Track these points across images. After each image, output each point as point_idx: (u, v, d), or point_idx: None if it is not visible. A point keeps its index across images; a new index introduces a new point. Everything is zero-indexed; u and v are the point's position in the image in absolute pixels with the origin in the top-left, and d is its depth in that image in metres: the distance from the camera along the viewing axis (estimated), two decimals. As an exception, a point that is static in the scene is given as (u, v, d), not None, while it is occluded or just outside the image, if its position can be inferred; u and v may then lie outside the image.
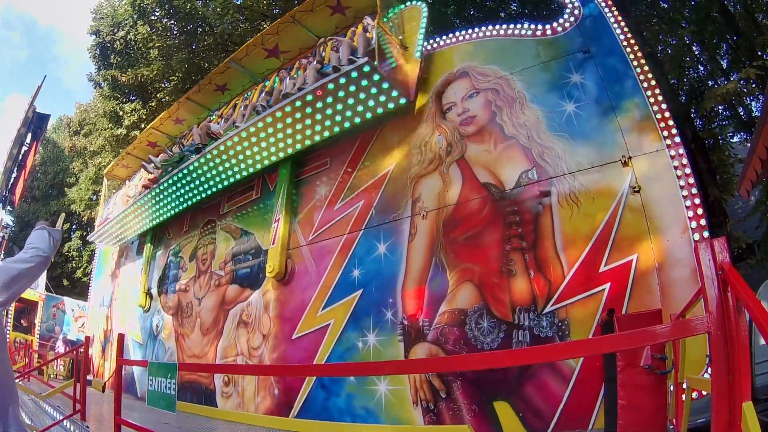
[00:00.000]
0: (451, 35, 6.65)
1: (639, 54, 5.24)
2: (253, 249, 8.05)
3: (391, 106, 6.23)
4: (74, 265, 25.69)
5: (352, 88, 6.10)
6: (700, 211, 4.45)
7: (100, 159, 19.13)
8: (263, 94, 7.90)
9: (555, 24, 5.77)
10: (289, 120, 6.70)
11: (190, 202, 9.17)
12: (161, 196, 9.43)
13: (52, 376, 13.78)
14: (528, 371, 4.73)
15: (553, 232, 5.03)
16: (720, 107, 11.61)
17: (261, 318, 7.42)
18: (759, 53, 10.14)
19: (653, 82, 5.03)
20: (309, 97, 6.33)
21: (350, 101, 6.25)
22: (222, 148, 7.63)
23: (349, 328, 6.18)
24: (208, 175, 8.27)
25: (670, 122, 4.82)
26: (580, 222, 4.89)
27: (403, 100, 6.21)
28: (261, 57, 8.76)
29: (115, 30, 16.17)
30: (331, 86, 6.15)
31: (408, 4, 7.22)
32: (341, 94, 6.18)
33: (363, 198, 6.62)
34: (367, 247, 6.34)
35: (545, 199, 5.16)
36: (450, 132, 6.11)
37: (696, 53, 12.24)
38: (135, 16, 14.97)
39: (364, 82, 5.99)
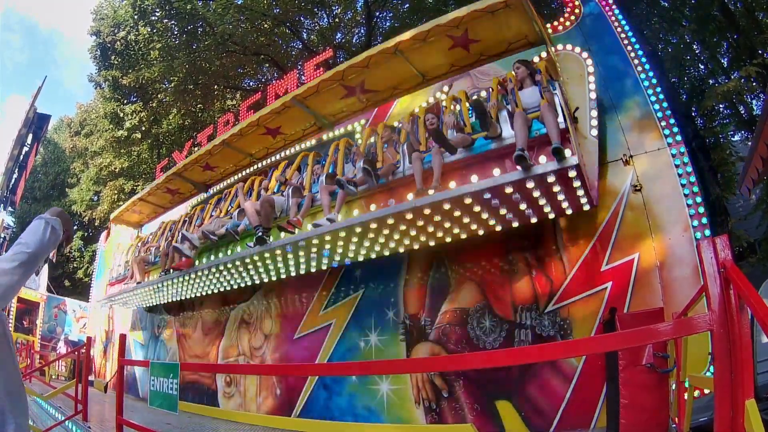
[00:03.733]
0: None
1: (639, 53, 5.24)
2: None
3: (569, 212, 4.63)
4: (75, 266, 25.71)
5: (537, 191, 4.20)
6: (701, 210, 4.46)
7: (101, 159, 19.14)
8: (359, 171, 5.31)
9: (556, 23, 5.77)
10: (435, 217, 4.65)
11: (236, 286, 7.35)
12: (197, 281, 7.30)
13: (53, 376, 13.79)
14: (530, 370, 4.73)
15: (554, 230, 5.03)
16: (721, 106, 11.61)
17: (263, 318, 7.43)
18: (759, 51, 10.14)
19: (654, 81, 5.04)
20: (486, 195, 4.24)
21: (522, 205, 4.43)
22: (302, 244, 5.45)
23: (351, 328, 6.19)
24: (270, 267, 6.38)
25: (671, 121, 4.82)
26: (582, 221, 4.89)
27: (586, 206, 4.54)
28: (337, 96, 6.27)
29: (116, 31, 16.15)
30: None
31: (560, 47, 5.35)
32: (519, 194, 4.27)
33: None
34: (369, 247, 6.33)
35: (546, 198, 5.15)
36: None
37: (696, 52, 12.24)
38: (135, 17, 14.97)
39: (550, 180, 4.03)
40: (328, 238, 5.21)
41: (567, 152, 3.85)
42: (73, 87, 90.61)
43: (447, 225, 4.77)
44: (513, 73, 4.91)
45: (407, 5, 15.03)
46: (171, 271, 7.09)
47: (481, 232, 4.93)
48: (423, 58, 5.56)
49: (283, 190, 6.34)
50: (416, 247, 5.39)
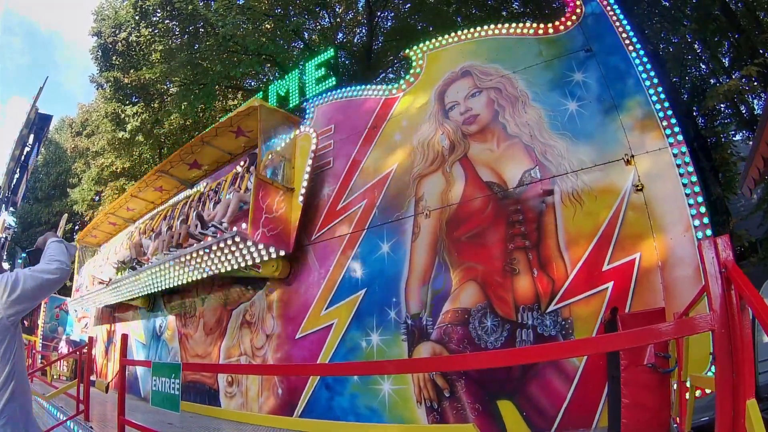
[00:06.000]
0: (453, 34, 6.65)
1: (641, 52, 5.24)
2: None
3: (267, 258, 6.65)
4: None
5: (230, 248, 6.67)
6: (702, 210, 4.45)
7: (102, 159, 19.19)
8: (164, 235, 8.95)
9: (557, 23, 5.78)
10: (180, 266, 7.71)
11: (138, 294, 10.00)
12: (114, 290, 10.40)
13: (55, 376, 13.81)
14: (532, 370, 4.73)
15: (556, 230, 5.03)
16: (722, 105, 11.62)
17: (264, 318, 7.43)
18: (761, 51, 10.14)
19: (655, 81, 5.03)
20: (192, 254, 7.24)
21: (228, 255, 6.81)
22: (141, 275, 8.83)
23: (353, 328, 6.19)
24: (145, 283, 9.11)
25: (673, 120, 4.82)
26: (583, 220, 4.89)
27: (282, 253, 6.63)
28: (185, 168, 9.59)
29: (117, 31, 16.17)
30: (206, 249, 6.93)
31: (300, 129, 7.51)
32: (225, 250, 6.76)
33: (366, 197, 6.62)
34: (371, 247, 6.35)
35: (548, 198, 5.16)
36: (453, 131, 6.11)
37: (698, 51, 12.25)
38: (137, 18, 14.99)
39: (241, 245, 6.54)
40: (146, 273, 8.60)
41: (242, 227, 6.70)
42: (74, 88, 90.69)
43: (212, 261, 7.07)
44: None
45: (408, 5, 15.06)
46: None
47: (229, 268, 7.04)
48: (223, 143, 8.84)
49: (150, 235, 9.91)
50: (200, 277, 7.76)
